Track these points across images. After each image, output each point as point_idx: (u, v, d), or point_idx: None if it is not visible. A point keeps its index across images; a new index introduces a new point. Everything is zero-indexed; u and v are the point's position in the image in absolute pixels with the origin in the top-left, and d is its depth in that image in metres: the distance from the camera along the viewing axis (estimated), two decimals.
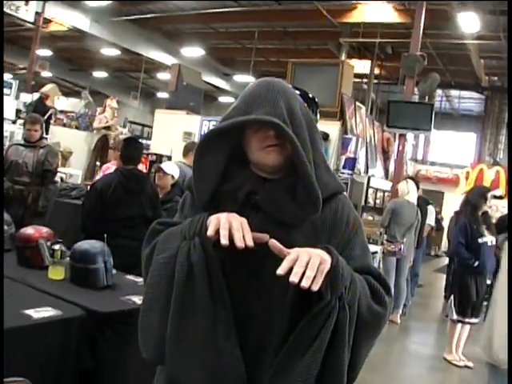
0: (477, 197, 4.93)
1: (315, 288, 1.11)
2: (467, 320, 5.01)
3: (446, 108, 20.37)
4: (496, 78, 16.63)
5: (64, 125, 9.79)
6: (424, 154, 21.36)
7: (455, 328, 5.12)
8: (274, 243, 1.17)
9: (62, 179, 7.58)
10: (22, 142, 5.13)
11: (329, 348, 1.18)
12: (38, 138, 5.05)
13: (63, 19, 14.23)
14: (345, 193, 1.42)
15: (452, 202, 13.82)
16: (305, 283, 1.09)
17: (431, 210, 8.11)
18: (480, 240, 4.82)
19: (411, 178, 7.18)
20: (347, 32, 13.23)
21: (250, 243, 1.16)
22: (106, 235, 2.72)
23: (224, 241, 1.14)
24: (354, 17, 12.50)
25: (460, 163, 18.68)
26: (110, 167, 5.11)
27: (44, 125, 5.45)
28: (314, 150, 1.30)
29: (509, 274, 3.84)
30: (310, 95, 2.91)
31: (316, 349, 1.16)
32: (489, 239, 4.87)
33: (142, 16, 14.40)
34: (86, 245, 2.74)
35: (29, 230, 2.98)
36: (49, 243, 2.89)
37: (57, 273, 2.72)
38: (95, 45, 17.22)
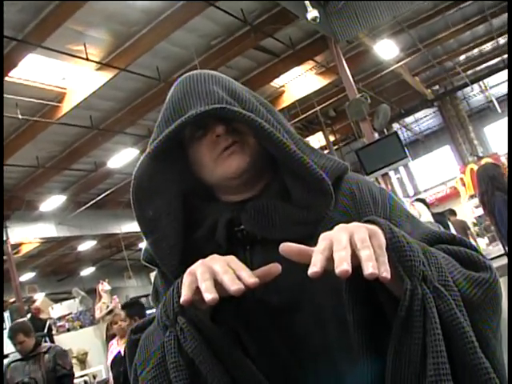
0: (495, 168, 4.50)
1: (387, 274, 0.67)
2: None
3: (410, 137, 20.54)
4: (437, 87, 16.98)
5: (68, 330, 9.33)
6: (414, 187, 21.25)
7: None
8: (288, 246, 0.75)
9: (86, 383, 7.00)
10: (20, 357, 4.41)
11: (454, 364, 0.70)
12: (33, 346, 4.40)
13: (29, 236, 14.17)
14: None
15: (462, 212, 13.40)
16: (371, 269, 0.66)
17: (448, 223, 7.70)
18: None
19: (417, 199, 6.82)
20: (287, 116, 13.46)
21: (251, 279, 0.72)
22: None
23: (209, 295, 0.70)
24: (286, 100, 12.81)
25: (449, 177, 18.47)
26: (113, 343, 4.69)
27: (33, 333, 4.77)
28: (289, 134, 0.92)
29: (509, 274, 3.39)
30: None
31: (435, 375, 0.68)
32: None
33: (99, 198, 14.38)
34: None
35: None
36: None
37: None
38: (71, 246, 17.13)
